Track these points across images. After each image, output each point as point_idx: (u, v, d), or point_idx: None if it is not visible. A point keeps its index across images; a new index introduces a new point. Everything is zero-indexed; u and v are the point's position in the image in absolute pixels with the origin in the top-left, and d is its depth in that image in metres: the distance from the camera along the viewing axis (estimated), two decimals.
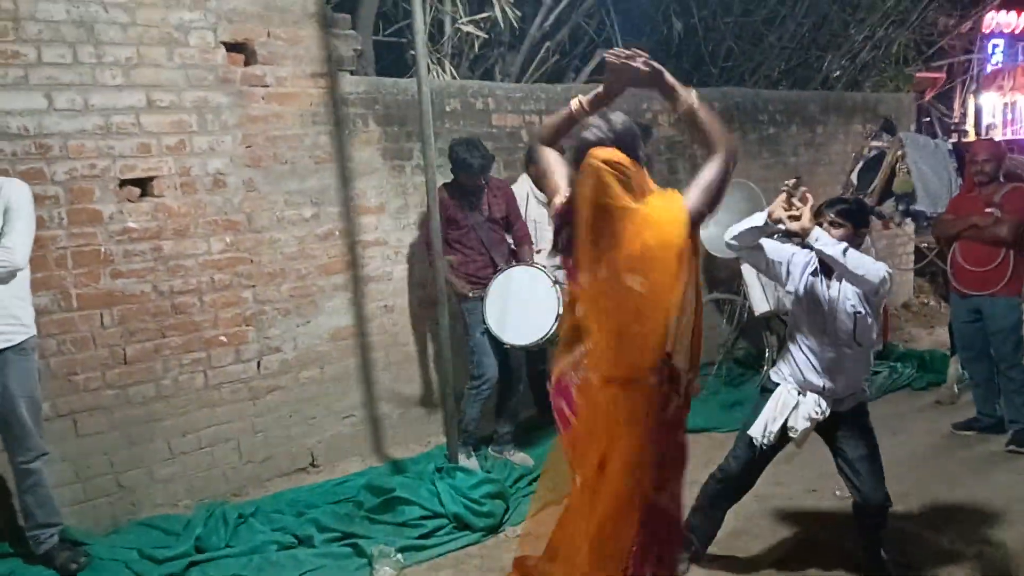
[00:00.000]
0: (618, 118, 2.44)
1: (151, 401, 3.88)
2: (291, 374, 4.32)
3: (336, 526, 3.73)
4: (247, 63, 4.07)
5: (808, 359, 3.18)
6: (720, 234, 5.75)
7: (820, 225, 3.09)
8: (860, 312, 3.10)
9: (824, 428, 3.24)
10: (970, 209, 4.68)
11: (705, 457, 4.65)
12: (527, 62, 5.98)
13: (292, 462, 4.37)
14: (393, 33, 5.44)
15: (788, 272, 3.26)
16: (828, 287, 3.14)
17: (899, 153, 6.01)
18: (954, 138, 12.51)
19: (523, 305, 4.24)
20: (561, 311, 4.09)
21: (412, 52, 4.49)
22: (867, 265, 2.99)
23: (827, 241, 3.00)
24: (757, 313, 5.64)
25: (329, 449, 4.47)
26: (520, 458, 4.52)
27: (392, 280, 4.68)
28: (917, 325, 7.65)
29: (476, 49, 5.66)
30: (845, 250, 2.98)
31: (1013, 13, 13.50)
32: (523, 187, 4.83)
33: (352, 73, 4.45)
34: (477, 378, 4.39)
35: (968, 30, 11.57)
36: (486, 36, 5.51)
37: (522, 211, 4.74)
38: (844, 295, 3.11)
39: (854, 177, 6.39)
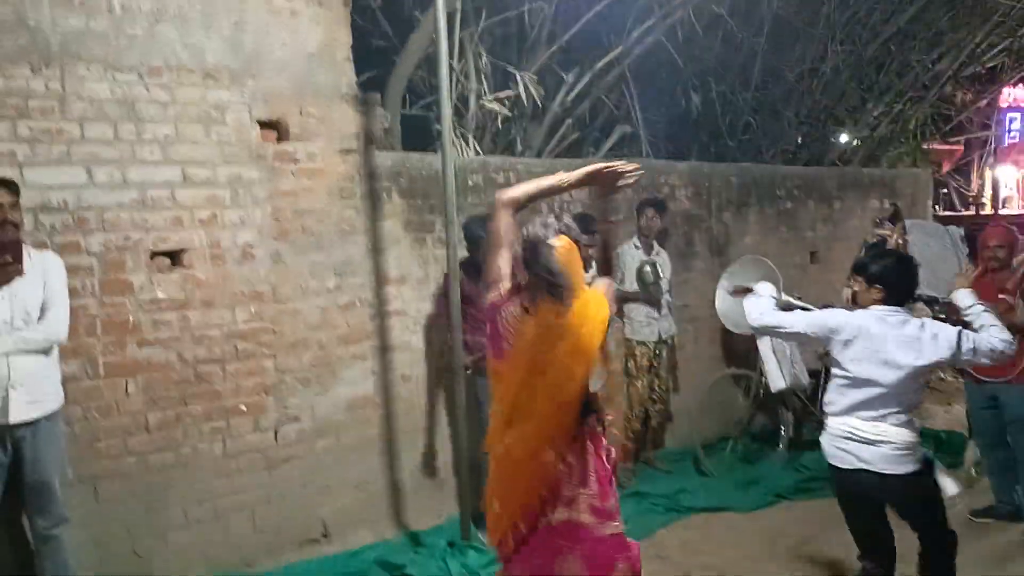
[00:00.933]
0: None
1: (170, 468, 3.92)
2: (307, 443, 4.36)
3: None
4: (280, 139, 4.21)
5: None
6: (736, 309, 5.88)
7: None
8: None
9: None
10: (983, 295, 4.69)
11: (723, 538, 4.64)
12: (548, 135, 6.13)
13: (305, 532, 4.37)
14: (420, 107, 5.60)
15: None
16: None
17: (899, 241, 6.12)
18: (972, 210, 12.58)
19: None
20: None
21: (438, 127, 4.62)
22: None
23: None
24: (774, 389, 5.64)
25: (342, 519, 4.48)
26: None
27: (410, 350, 4.74)
28: (934, 402, 7.59)
29: (499, 123, 5.81)
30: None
31: None
32: None
33: (379, 148, 4.58)
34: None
35: (986, 105, 11.71)
36: (509, 113, 5.66)
37: None
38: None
39: None
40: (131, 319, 3.78)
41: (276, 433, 4.26)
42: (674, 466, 5.70)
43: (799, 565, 4.32)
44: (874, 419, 3.19)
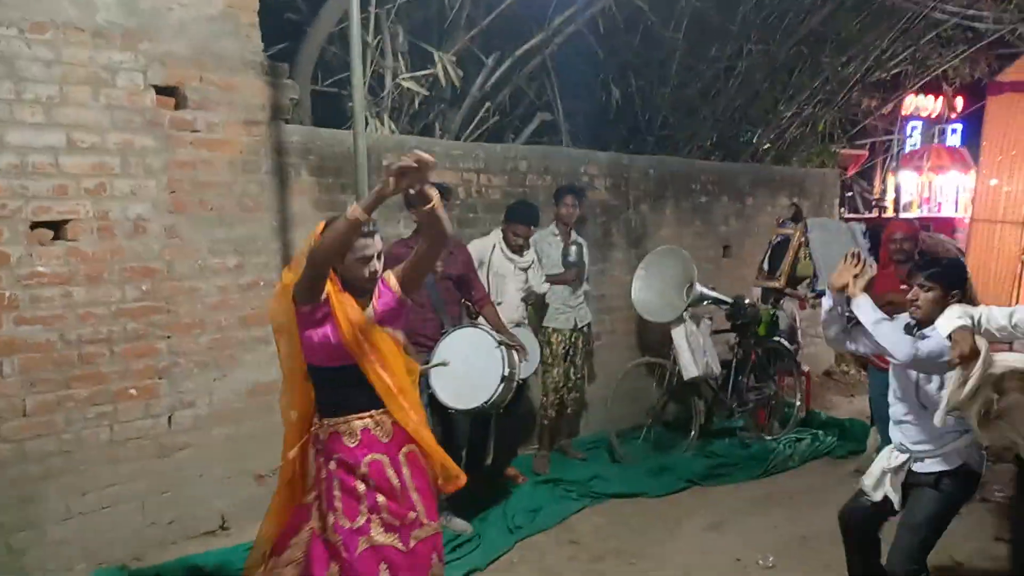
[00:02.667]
0: None
1: (49, 457, 3.63)
2: (204, 430, 4.12)
3: None
4: (177, 107, 3.96)
5: (892, 412, 3.26)
6: (652, 299, 5.91)
7: (911, 288, 3.16)
8: (922, 376, 3.11)
9: (905, 489, 3.20)
10: (886, 287, 4.82)
11: (635, 523, 4.63)
12: (467, 121, 6.01)
13: (201, 524, 4.13)
14: (332, 84, 5.39)
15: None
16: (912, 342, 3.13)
17: (801, 239, 6.31)
18: (875, 212, 13.08)
19: (468, 368, 4.11)
20: (506, 372, 4.06)
21: (350, 104, 4.45)
22: (893, 340, 3.03)
23: (866, 310, 3.09)
24: (687, 378, 5.68)
25: (241, 511, 4.24)
26: (459, 525, 4.36)
27: None
28: (838, 393, 7.83)
29: (416, 105, 5.66)
30: (877, 322, 3.07)
31: (931, 97, 14.32)
32: (491, 239, 4.97)
33: (287, 122, 4.38)
34: None
35: (889, 112, 12.18)
36: (427, 93, 5.52)
37: (487, 263, 4.84)
38: (918, 351, 3.05)
39: (765, 262, 6.66)
40: (6, 294, 3.48)
41: (169, 419, 4.01)
42: (588, 453, 5.67)
43: (709, 547, 4.33)
44: None
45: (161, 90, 3.89)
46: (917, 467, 3.14)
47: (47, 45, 3.54)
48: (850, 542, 3.37)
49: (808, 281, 6.44)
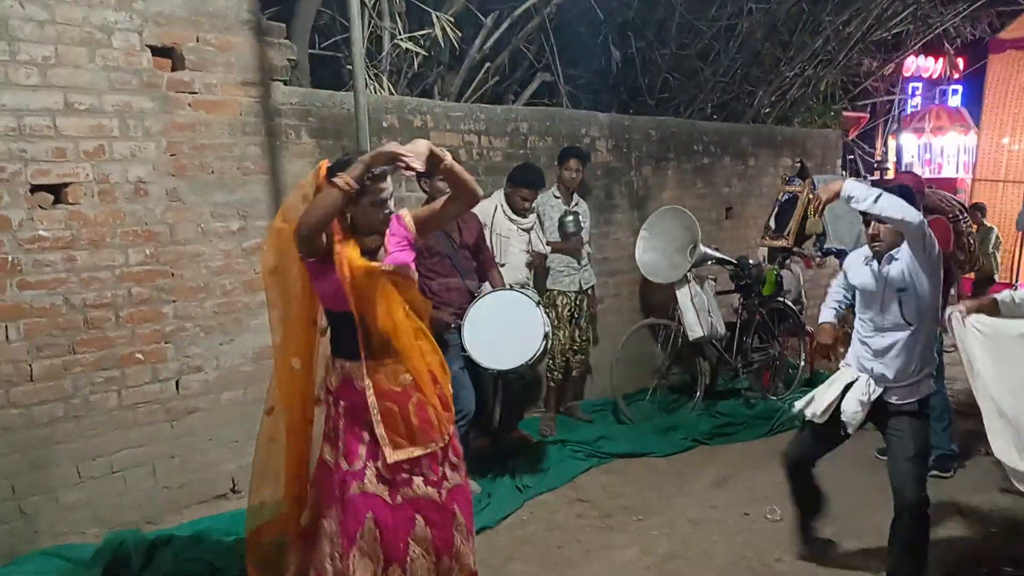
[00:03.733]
0: None
1: (58, 422, 3.63)
2: (212, 395, 4.12)
3: None
4: (174, 68, 3.91)
5: (863, 344, 3.34)
6: (656, 260, 5.88)
7: (868, 224, 3.27)
8: (904, 290, 3.21)
9: (880, 420, 3.34)
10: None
11: (642, 481, 4.65)
12: (466, 83, 5.95)
13: (211, 488, 4.15)
14: (330, 47, 5.33)
15: (851, 272, 3.51)
16: (879, 271, 3.30)
17: (810, 196, 6.20)
18: (876, 175, 13.01)
19: (507, 329, 4.15)
20: (548, 330, 4.16)
21: (349, 67, 4.40)
22: (903, 207, 3.06)
23: (859, 194, 3.09)
24: (691, 339, 5.67)
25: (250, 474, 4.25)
26: (471, 487, 4.36)
27: None
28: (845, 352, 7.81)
29: (415, 67, 5.60)
30: (877, 197, 3.07)
31: (931, 58, 14.19)
32: (493, 201, 4.93)
33: (285, 83, 4.32)
34: (455, 412, 4.23)
35: (890, 73, 12.07)
36: (426, 54, 5.45)
37: (489, 225, 4.83)
38: (891, 277, 3.24)
39: (772, 221, 6.58)
40: (9, 259, 3.46)
41: (177, 384, 4.00)
42: (594, 415, 5.68)
43: (717, 503, 4.35)
44: None
45: (157, 51, 3.84)
46: (894, 399, 3.29)
47: (40, 5, 3.48)
48: (797, 479, 3.60)
49: (815, 239, 6.39)
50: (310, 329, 2.73)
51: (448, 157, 2.59)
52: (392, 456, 2.63)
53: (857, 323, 3.42)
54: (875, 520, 4.00)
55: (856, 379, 3.33)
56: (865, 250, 3.42)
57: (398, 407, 2.64)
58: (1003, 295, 3.34)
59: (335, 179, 2.44)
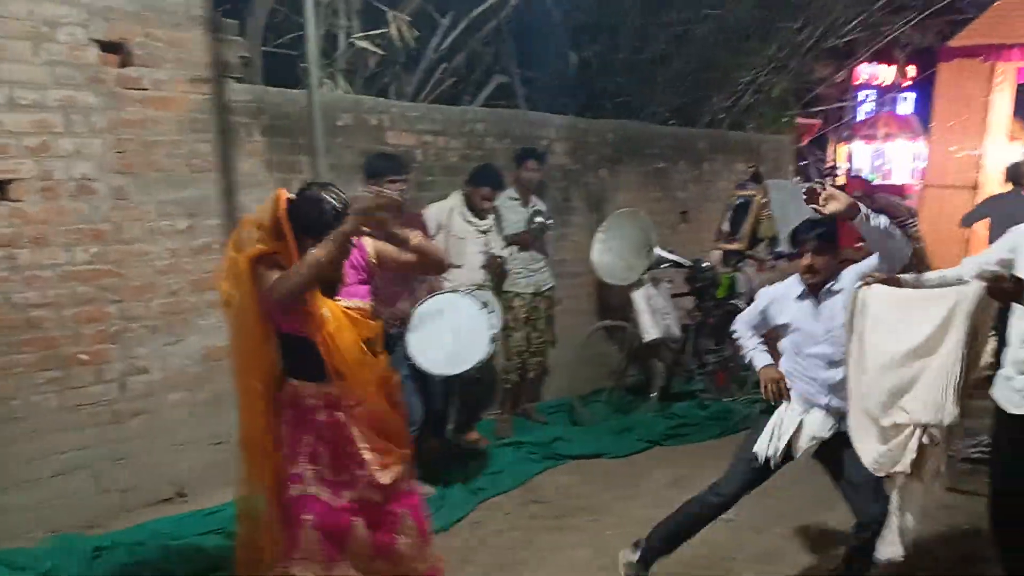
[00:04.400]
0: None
1: None
2: (158, 397, 4.04)
3: (204, 559, 3.47)
4: (123, 64, 3.83)
5: (811, 381, 3.18)
6: (612, 263, 5.92)
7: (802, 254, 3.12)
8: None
9: (828, 450, 3.19)
10: (843, 243, 4.89)
11: (597, 482, 4.67)
12: (423, 84, 5.93)
13: (156, 491, 4.07)
14: (284, 45, 5.26)
15: (774, 310, 3.30)
16: (819, 309, 3.16)
17: (763, 200, 6.31)
18: (828, 181, 13.26)
19: (452, 333, 4.09)
20: (495, 331, 4.05)
21: (303, 65, 4.35)
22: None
23: (864, 211, 2.90)
24: (647, 340, 5.71)
25: (198, 477, 4.18)
26: (424, 490, 4.34)
27: None
28: None
29: (371, 67, 5.56)
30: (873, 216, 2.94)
31: (883, 66, 14.53)
32: (449, 203, 4.91)
33: (238, 81, 4.26)
34: None
35: (842, 80, 12.33)
36: (382, 54, 5.41)
37: (445, 227, 4.80)
38: (836, 310, 3.09)
39: (726, 224, 6.67)
40: None
41: (122, 385, 3.92)
42: (550, 417, 5.70)
43: (671, 503, 4.38)
44: None
45: (105, 46, 3.76)
46: (844, 426, 3.10)
47: None
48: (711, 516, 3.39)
49: (768, 242, 6.48)
50: (265, 347, 2.62)
51: (414, 235, 2.60)
52: (385, 478, 2.63)
53: (798, 363, 3.22)
54: (821, 518, 4.09)
55: (808, 414, 3.18)
56: (790, 285, 3.26)
57: (345, 415, 2.62)
58: (905, 276, 3.07)
59: (315, 251, 2.40)
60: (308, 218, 2.50)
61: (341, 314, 2.59)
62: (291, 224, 2.48)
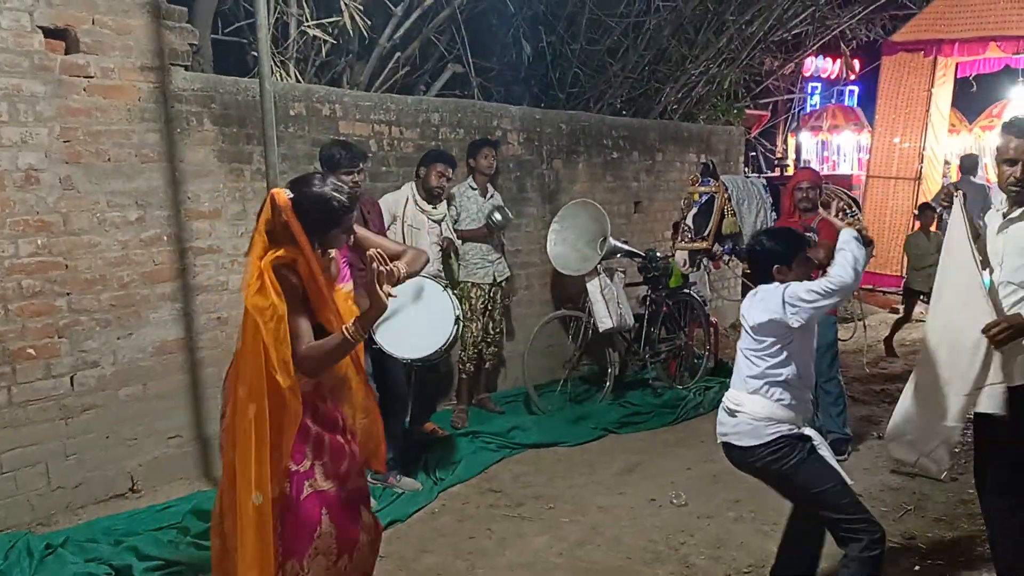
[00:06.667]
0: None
1: None
2: (109, 391, 3.97)
3: (159, 554, 3.43)
4: (68, 51, 3.74)
5: (804, 401, 3.05)
6: (566, 253, 5.97)
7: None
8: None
9: None
10: (822, 236, 4.99)
11: (553, 470, 4.73)
12: (376, 73, 5.89)
13: (109, 487, 4.00)
14: (234, 33, 5.18)
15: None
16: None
17: (725, 195, 6.34)
18: (777, 171, 13.53)
19: (417, 316, 3.97)
20: (458, 313, 3.94)
21: (254, 53, 4.30)
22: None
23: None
24: (601, 330, 5.78)
25: (151, 473, 4.13)
26: (407, 484, 4.36)
27: (227, 290, 4.42)
28: None
29: (323, 55, 5.50)
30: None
31: (830, 59, 14.83)
32: (404, 193, 4.91)
33: (187, 69, 4.19)
34: None
35: (791, 72, 12.56)
36: (334, 42, 5.36)
37: (399, 215, 4.80)
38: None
39: (690, 221, 6.68)
40: None
41: (72, 380, 3.84)
42: (506, 406, 5.73)
43: (625, 489, 4.47)
44: (735, 389, 3.04)
45: (50, 32, 3.67)
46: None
47: None
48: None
49: (728, 238, 6.51)
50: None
51: (399, 270, 2.59)
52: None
53: (793, 385, 2.95)
54: (777, 502, 4.21)
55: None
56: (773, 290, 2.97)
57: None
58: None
59: (349, 333, 2.40)
60: (317, 218, 2.42)
61: (344, 304, 2.61)
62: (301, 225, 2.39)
